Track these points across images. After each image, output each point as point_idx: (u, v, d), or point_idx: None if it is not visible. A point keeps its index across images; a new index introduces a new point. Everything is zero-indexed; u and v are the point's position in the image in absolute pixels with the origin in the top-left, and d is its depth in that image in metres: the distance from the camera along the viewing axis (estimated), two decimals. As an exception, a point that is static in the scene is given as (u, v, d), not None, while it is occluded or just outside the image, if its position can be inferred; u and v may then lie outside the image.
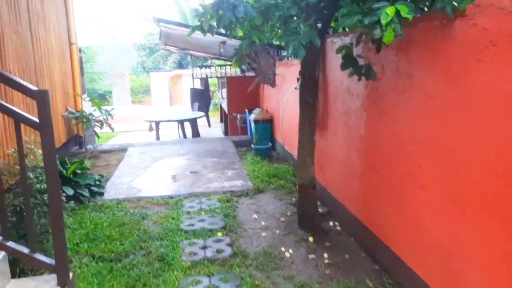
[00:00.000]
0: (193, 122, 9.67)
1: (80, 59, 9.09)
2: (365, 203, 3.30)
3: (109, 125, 7.26)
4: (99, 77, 26.35)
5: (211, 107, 14.60)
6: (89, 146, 7.37)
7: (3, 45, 4.10)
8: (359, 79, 2.65)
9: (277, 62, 6.67)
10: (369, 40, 2.73)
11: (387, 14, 1.92)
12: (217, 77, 13.69)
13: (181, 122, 9.42)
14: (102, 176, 5.08)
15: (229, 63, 13.75)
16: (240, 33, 3.79)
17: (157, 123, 9.29)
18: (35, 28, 5.27)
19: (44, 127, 2.39)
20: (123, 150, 7.42)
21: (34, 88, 2.37)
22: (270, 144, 6.67)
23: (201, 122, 12.36)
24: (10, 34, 4.31)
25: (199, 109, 12.38)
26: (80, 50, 9.37)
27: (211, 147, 7.41)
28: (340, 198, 3.88)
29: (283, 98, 6.04)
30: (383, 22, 1.92)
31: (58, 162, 4.58)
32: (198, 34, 7.37)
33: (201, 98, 12.94)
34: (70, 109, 6.86)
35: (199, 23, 3.26)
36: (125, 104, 21.83)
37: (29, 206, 2.46)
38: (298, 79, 4.83)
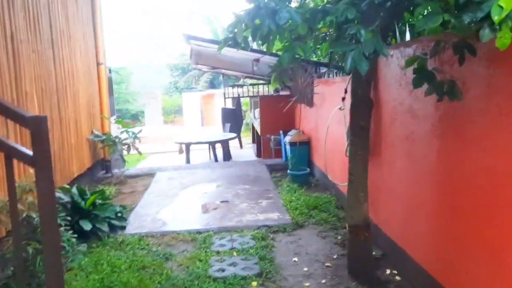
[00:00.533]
0: (225, 144, 9.20)
1: (109, 79, 8.88)
2: (437, 252, 2.64)
3: (136, 149, 6.88)
4: (133, 97, 26.65)
5: (243, 128, 14.17)
6: (116, 171, 7.00)
7: (19, 64, 3.76)
8: (439, 99, 2.05)
9: (316, 80, 6.11)
10: (446, 49, 2.13)
11: (500, 7, 1.33)
12: (250, 97, 13.28)
13: (212, 144, 8.98)
14: (124, 208, 4.62)
15: (261, 82, 13.34)
16: (278, 46, 3.27)
17: (188, 145, 8.88)
18: (58, 47, 4.97)
19: (39, 162, 1.91)
20: (151, 175, 7.01)
21: (27, 114, 1.91)
22: (308, 169, 6.06)
23: (233, 143, 11.90)
24: (28, 53, 3.98)
25: (231, 130, 11.94)
26: (110, 71, 9.18)
27: (243, 172, 6.87)
28: (400, 241, 3.22)
29: (325, 120, 5.45)
30: (496, 18, 1.33)
31: (76, 192, 4.16)
32: (229, 51, 6.93)
33: (233, 118, 12.52)
34: (96, 132, 6.53)
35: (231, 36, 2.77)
36: (157, 124, 21.82)
37: (20, 261, 1.98)
38: (343, 99, 4.25)
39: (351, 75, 3.70)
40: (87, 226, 3.86)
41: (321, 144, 5.95)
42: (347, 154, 3.76)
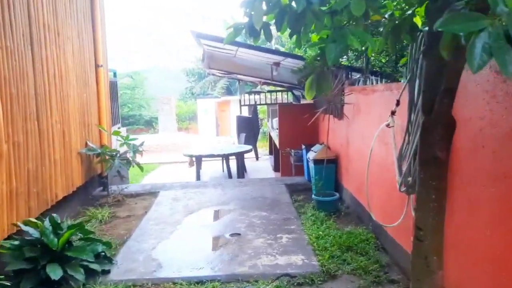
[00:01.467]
0: (239, 157, 8.30)
1: (114, 84, 8.08)
2: None
3: (137, 164, 6.01)
4: (148, 103, 26.05)
5: (259, 137, 13.25)
6: (114, 188, 6.15)
7: (-27, 64, 2.92)
8: None
9: (347, 88, 5.15)
10: None
11: None
12: (267, 104, 12.36)
13: (225, 157, 8.11)
14: (109, 246, 3.71)
15: (280, 88, 12.42)
16: (314, 39, 2.33)
17: (198, 158, 8.01)
18: (41, 45, 4.15)
19: None
20: (153, 194, 6.13)
21: None
22: (337, 195, 5.07)
23: (248, 154, 11.00)
24: (-12, 50, 3.15)
25: (246, 141, 11.05)
26: (114, 74, 8.39)
27: (260, 193, 5.93)
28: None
29: (360, 136, 4.49)
30: None
31: (49, 226, 3.29)
32: (245, 54, 5.91)
33: (249, 127, 11.64)
34: (91, 144, 5.69)
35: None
36: (170, 131, 21.10)
37: None
38: (393, 113, 3.28)
39: (406, 81, 2.75)
40: (55, 273, 2.97)
41: (353, 165, 4.98)
42: (401, 190, 2.80)
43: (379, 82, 4.60)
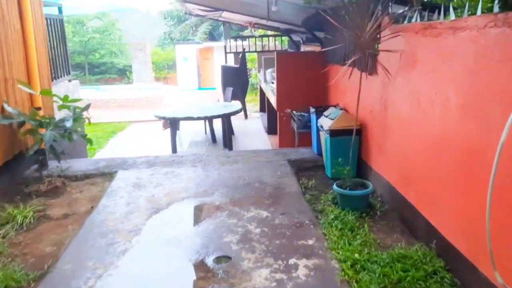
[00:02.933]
0: (226, 118, 6.69)
1: (56, 22, 6.21)
2: None
3: (83, 136, 4.37)
4: (120, 49, 23.69)
5: (248, 90, 11.55)
6: (55, 167, 4.55)
7: None
8: None
9: (389, 27, 3.49)
10: None
11: None
12: (258, 52, 10.59)
13: (208, 120, 6.50)
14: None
15: (270, 33, 10.58)
16: None
17: (174, 121, 6.38)
18: None
19: None
20: (108, 175, 4.55)
21: None
22: (370, 186, 3.57)
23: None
24: None
25: (233, 96, 9.38)
26: (59, 10, 6.49)
27: (255, 174, 4.41)
28: None
29: (422, 102, 2.91)
30: None
31: None
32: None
33: (236, 79, 9.93)
34: (9, 109, 3.99)
35: None
36: (146, 81, 19.15)
37: None
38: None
39: None
40: None
41: (394, 142, 3.45)
42: None
43: (442, 17, 2.96)
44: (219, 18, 9.78)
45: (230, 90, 8.53)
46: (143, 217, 3.44)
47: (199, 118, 6.26)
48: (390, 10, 3.71)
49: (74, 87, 6.49)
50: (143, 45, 19.25)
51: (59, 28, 6.31)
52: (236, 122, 9.50)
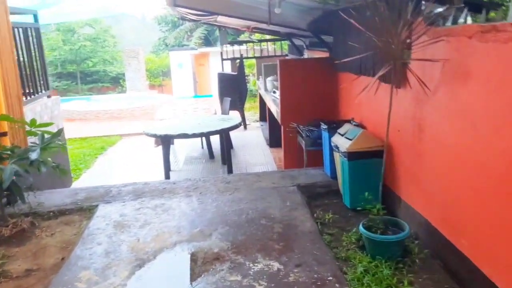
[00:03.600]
0: (224, 134, 6.03)
1: (31, 31, 5.56)
2: None
3: (56, 167, 3.69)
4: (113, 56, 23.01)
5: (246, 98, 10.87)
6: (26, 203, 3.86)
7: None
8: None
9: (426, 30, 2.82)
10: None
11: None
12: (257, 58, 9.94)
13: (206, 136, 5.83)
14: None
15: (268, 37, 9.93)
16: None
17: (166, 139, 5.70)
18: None
19: None
20: (88, 210, 3.87)
21: None
22: (407, 228, 2.88)
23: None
24: None
25: (232, 106, 8.71)
26: (35, 18, 5.83)
27: (260, 206, 3.73)
28: None
29: (479, 126, 2.25)
30: None
31: None
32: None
33: (234, 88, 9.27)
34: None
35: None
36: (139, 90, 18.49)
37: None
38: None
39: None
40: None
41: (435, 171, 2.78)
42: None
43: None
44: (215, 23, 9.12)
45: (228, 100, 7.87)
46: (123, 274, 2.75)
47: (194, 136, 5.58)
48: (422, 9, 3.05)
49: (54, 104, 5.82)
50: (137, 52, 18.60)
51: (34, 39, 5.66)
52: (235, 133, 8.84)
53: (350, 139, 3.69)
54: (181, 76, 18.42)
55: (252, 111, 11.73)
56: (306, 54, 7.31)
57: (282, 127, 5.53)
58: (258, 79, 9.29)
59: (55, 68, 22.19)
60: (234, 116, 6.54)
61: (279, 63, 5.37)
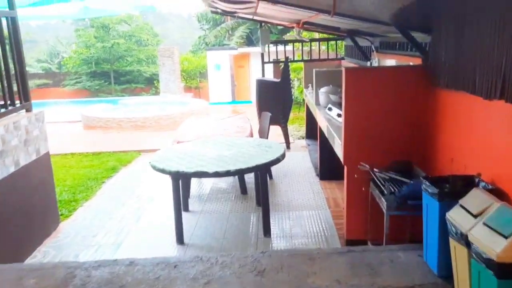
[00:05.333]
0: (260, 172, 4.31)
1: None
2: None
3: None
4: (149, 56, 21.92)
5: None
6: None
7: None
8: None
9: None
10: None
11: None
12: (305, 61, 8.20)
13: (233, 175, 4.13)
14: None
15: (330, 35, 8.17)
16: None
17: (177, 177, 4.07)
18: None
19: None
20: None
21: None
22: None
23: (276, 138, 6.81)
24: None
25: (272, 119, 6.98)
26: (12, 21, 4.38)
27: None
28: None
29: None
30: None
31: None
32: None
33: (276, 98, 7.56)
34: None
35: None
36: (174, 92, 17.18)
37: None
38: None
39: None
40: None
41: None
42: None
43: None
44: (254, 17, 7.48)
45: (267, 117, 6.17)
46: None
47: (217, 175, 3.92)
48: None
49: (34, 121, 4.35)
50: (171, 52, 17.29)
51: (9, 31, 4.22)
52: None
53: (501, 234, 1.90)
54: (218, 79, 16.95)
55: (296, 124, 9.97)
56: (376, 59, 5.49)
57: (345, 168, 3.77)
58: (306, 87, 7.55)
59: (89, 66, 21.42)
60: (276, 144, 4.83)
61: (345, 72, 3.61)
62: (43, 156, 4.54)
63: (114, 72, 20.90)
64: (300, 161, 7.14)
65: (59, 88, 20.73)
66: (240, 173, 4.42)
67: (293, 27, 7.10)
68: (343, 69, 3.66)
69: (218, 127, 6.12)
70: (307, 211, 4.94)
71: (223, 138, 5.19)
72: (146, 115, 10.93)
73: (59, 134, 10.55)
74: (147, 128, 10.52)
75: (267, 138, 6.14)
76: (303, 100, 10.32)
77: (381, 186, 3.24)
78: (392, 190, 3.10)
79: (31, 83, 20.58)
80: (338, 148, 4.02)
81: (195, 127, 6.21)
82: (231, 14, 6.84)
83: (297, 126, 9.73)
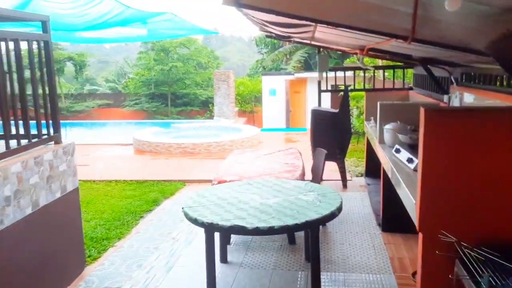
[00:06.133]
0: (311, 228, 3.54)
1: (35, 49, 3.75)
2: None
3: None
4: (205, 79, 21.94)
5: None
6: None
7: None
8: None
9: None
10: None
11: None
12: (367, 91, 7.40)
13: (276, 234, 3.42)
14: None
15: (397, 62, 7.35)
16: None
17: (211, 230, 3.42)
18: None
19: None
20: None
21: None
22: None
23: (332, 174, 5.97)
24: None
25: (328, 155, 6.19)
26: (44, 32, 4.04)
27: None
28: None
29: None
30: None
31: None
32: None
33: (333, 131, 6.78)
34: None
35: None
36: (227, 116, 16.86)
37: None
38: None
39: None
40: None
41: None
42: None
43: None
44: (312, 42, 6.82)
45: (322, 154, 5.39)
46: None
47: (257, 232, 3.22)
48: None
49: (62, 155, 3.92)
50: (227, 76, 17.07)
51: (42, 54, 3.86)
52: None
53: None
54: (272, 104, 16.41)
55: (354, 158, 9.07)
56: (456, 93, 4.58)
57: (420, 235, 2.92)
58: (367, 119, 6.71)
59: (148, 88, 21.81)
60: (332, 193, 4.04)
61: (425, 113, 2.79)
62: (69, 194, 4.09)
63: (172, 94, 21.08)
64: (358, 204, 6.27)
65: (119, 109, 21.20)
66: (285, 231, 3.68)
67: (355, 54, 6.35)
68: (421, 109, 2.85)
69: (266, 164, 5.44)
70: (366, 275, 4.07)
71: (270, 181, 4.49)
72: (196, 141, 10.53)
73: (109, 157, 10.40)
74: (196, 155, 10.09)
75: (321, 179, 5.37)
76: (363, 130, 9.42)
77: (475, 271, 2.37)
78: (494, 282, 2.22)
79: (93, 103, 21.25)
80: (408, 202, 3.18)
81: (240, 163, 5.58)
82: (286, 39, 6.24)
83: (355, 161, 8.83)
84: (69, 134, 17.41)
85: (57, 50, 22.03)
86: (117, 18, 8.98)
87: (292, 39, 5.88)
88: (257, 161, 5.67)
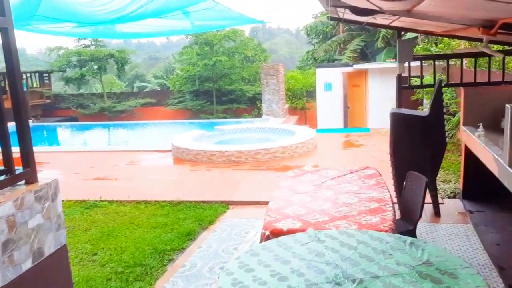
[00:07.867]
0: None
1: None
2: None
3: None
4: (252, 73, 20.48)
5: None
6: None
7: None
8: None
9: None
10: None
11: None
12: (465, 85, 5.61)
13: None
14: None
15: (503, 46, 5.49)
16: None
17: None
18: None
19: None
20: None
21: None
22: None
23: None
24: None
25: (414, 170, 4.51)
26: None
27: None
28: None
29: None
30: None
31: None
32: None
33: (421, 141, 5.07)
34: None
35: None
36: (277, 114, 15.36)
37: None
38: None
39: None
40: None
41: None
42: None
43: None
44: (393, 23, 5.13)
45: (421, 182, 3.74)
46: None
47: None
48: None
49: (34, 203, 2.58)
50: (276, 69, 15.54)
51: None
52: (420, 225, 4.74)
53: None
54: (328, 100, 14.67)
55: (441, 170, 7.23)
56: None
57: None
58: (475, 126, 4.97)
59: (192, 85, 20.72)
60: (467, 271, 2.44)
61: None
62: (48, 259, 2.75)
63: (217, 91, 19.85)
64: (462, 243, 4.55)
65: (162, 108, 20.27)
66: None
67: (468, 38, 4.58)
68: None
69: (338, 197, 3.86)
70: None
71: (352, 234, 2.93)
72: (241, 148, 9.11)
73: (143, 168, 9.23)
74: (242, 165, 8.67)
75: (419, 218, 3.73)
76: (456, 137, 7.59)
77: None
78: None
79: (135, 102, 20.45)
80: None
81: (300, 194, 4.03)
82: (361, 24, 4.62)
83: (442, 174, 7.01)
84: (106, 137, 16.65)
85: (98, 47, 21.45)
86: (149, 6, 7.75)
87: (370, 17, 4.25)
88: (323, 190, 4.11)
